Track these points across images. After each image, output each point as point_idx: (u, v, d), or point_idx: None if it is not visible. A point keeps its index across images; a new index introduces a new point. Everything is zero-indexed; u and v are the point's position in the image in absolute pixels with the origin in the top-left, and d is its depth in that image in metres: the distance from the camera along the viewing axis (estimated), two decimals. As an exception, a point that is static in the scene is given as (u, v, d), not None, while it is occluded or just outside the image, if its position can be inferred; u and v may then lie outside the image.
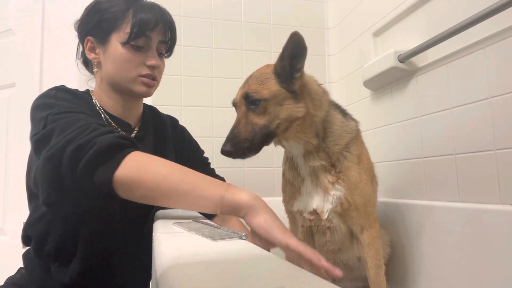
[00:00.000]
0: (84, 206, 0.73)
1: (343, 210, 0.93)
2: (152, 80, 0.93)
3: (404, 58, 1.23)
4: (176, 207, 0.68)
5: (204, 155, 1.19)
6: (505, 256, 0.87)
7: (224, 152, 0.86)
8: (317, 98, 0.92)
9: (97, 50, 0.93)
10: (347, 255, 1.05)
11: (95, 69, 0.94)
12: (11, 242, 1.66)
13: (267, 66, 0.95)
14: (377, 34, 1.48)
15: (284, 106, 0.87)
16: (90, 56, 0.93)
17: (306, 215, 0.97)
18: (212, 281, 0.35)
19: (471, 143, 1.03)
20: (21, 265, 0.93)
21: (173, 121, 1.15)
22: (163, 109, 1.58)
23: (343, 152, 0.94)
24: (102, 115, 0.92)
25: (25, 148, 1.73)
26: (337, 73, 1.81)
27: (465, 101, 1.04)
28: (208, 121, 1.66)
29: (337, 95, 1.81)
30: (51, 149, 0.66)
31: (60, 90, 0.85)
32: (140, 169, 0.64)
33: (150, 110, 1.10)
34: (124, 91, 0.94)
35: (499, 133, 0.94)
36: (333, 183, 0.93)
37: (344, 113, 1.00)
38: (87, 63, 0.99)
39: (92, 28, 0.91)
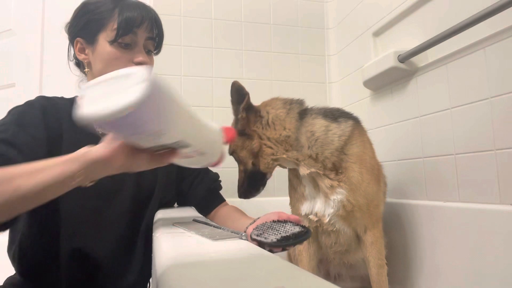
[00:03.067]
0: None
1: (347, 213, 0.94)
2: None
3: (404, 58, 1.23)
4: (37, 185, 0.57)
5: None
6: (505, 256, 0.87)
7: (239, 196, 1.06)
8: (277, 123, 0.98)
9: (87, 51, 0.93)
10: (354, 256, 1.06)
11: (86, 69, 0.94)
12: (11, 242, 1.66)
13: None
14: (377, 34, 1.48)
15: (244, 148, 1.00)
16: (80, 57, 0.94)
17: (311, 216, 0.99)
18: (212, 281, 0.35)
19: (471, 143, 1.03)
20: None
21: None
22: (163, 109, 1.58)
23: (339, 155, 0.95)
24: None
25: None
26: (337, 73, 1.81)
27: (465, 101, 1.04)
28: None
29: (337, 95, 1.81)
30: None
31: (17, 108, 0.85)
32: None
33: None
34: None
35: (499, 133, 0.94)
36: (332, 187, 0.94)
37: (333, 117, 1.00)
38: (79, 64, 1.00)
39: (81, 29, 0.93)
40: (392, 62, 1.25)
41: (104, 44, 0.90)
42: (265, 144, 0.98)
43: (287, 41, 1.80)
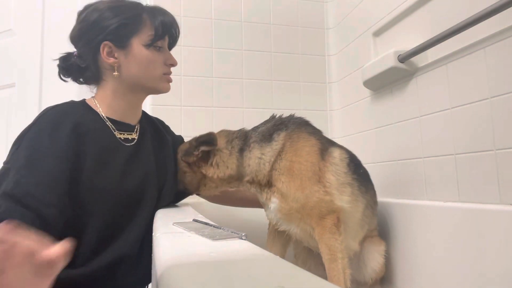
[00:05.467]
0: None
1: (285, 216, 1.05)
2: (170, 76, 1.04)
3: (404, 58, 1.23)
4: None
5: None
6: (505, 256, 0.87)
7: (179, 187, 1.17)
8: (221, 164, 1.09)
9: (116, 54, 0.95)
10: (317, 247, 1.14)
11: (115, 73, 0.96)
12: (11, 242, 1.66)
13: None
14: (377, 34, 1.48)
15: (190, 175, 1.14)
16: (109, 60, 0.95)
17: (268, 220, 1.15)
18: (212, 281, 0.35)
19: (471, 143, 1.03)
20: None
21: (159, 120, 1.21)
22: (163, 109, 1.58)
23: (270, 173, 1.07)
24: (108, 123, 0.97)
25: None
26: (337, 73, 1.81)
27: (465, 101, 1.04)
28: (208, 121, 1.66)
29: (337, 95, 1.81)
30: None
31: (36, 125, 0.85)
32: None
33: (142, 111, 1.14)
34: (145, 90, 1.03)
35: (499, 133, 0.94)
36: (268, 198, 1.08)
37: (269, 136, 1.09)
38: (82, 73, 0.99)
39: (109, 34, 0.94)
40: (392, 62, 1.25)
41: (139, 48, 0.96)
42: (210, 180, 1.11)
43: (287, 41, 1.80)
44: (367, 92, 1.54)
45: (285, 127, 1.10)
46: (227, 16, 1.73)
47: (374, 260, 1.15)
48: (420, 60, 1.22)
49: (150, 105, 1.56)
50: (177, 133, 1.26)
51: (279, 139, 1.08)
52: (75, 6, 1.68)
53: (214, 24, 1.71)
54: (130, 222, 0.94)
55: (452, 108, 1.09)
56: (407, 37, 1.29)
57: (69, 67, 0.99)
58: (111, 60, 0.95)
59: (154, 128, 1.13)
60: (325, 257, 1.02)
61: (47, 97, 1.71)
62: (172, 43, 1.07)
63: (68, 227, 0.84)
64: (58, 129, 0.85)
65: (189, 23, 1.68)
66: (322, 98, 1.82)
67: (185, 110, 1.63)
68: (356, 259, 1.17)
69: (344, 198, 1.04)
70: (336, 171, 1.06)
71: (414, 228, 1.16)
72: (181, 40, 1.68)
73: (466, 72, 1.04)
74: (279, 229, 1.11)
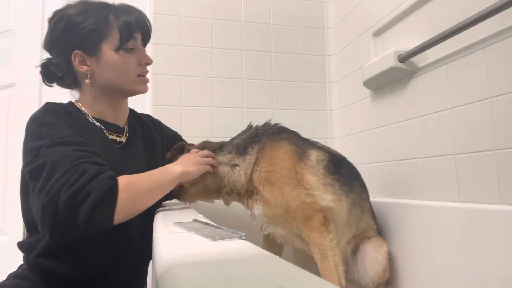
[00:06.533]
0: (82, 237, 0.79)
1: (271, 220, 1.09)
2: (146, 76, 1.02)
3: (404, 58, 1.23)
4: (162, 195, 0.90)
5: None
6: (505, 256, 0.87)
7: None
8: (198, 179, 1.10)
9: (89, 62, 0.94)
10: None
11: (86, 81, 0.94)
12: (11, 242, 1.66)
13: None
14: (377, 34, 1.48)
15: None
16: (82, 69, 0.94)
17: (254, 223, 1.16)
18: (212, 281, 0.35)
19: (471, 143, 1.03)
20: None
21: (148, 117, 1.21)
22: (163, 109, 1.58)
23: (248, 183, 1.11)
24: (97, 124, 0.97)
25: (25, 148, 1.72)
26: (337, 73, 1.81)
27: (465, 101, 1.04)
28: (208, 121, 1.66)
29: (337, 95, 1.81)
30: (46, 196, 0.72)
31: (48, 112, 0.87)
32: (131, 190, 0.79)
33: (130, 110, 1.13)
34: (123, 94, 1.00)
35: (499, 133, 0.94)
36: (251, 205, 1.11)
37: (243, 149, 1.13)
38: (61, 80, 1.00)
39: (78, 42, 0.92)
40: (392, 62, 1.25)
41: (109, 53, 0.93)
42: (189, 191, 1.13)
43: (287, 41, 1.80)
44: (367, 92, 1.54)
45: (258, 140, 1.12)
46: (227, 16, 1.73)
47: (375, 262, 1.14)
48: (420, 60, 1.22)
49: (150, 105, 1.56)
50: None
51: (253, 152, 1.11)
52: (75, 6, 1.69)
53: (214, 24, 1.71)
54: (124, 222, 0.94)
55: (452, 108, 1.09)
56: (407, 37, 1.29)
57: (49, 75, 1.00)
58: (84, 68, 0.94)
59: (143, 127, 1.13)
60: (316, 257, 1.03)
61: (47, 97, 1.70)
62: (146, 39, 1.02)
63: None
64: (66, 122, 0.88)
65: (189, 23, 1.68)
66: (322, 98, 1.82)
67: (185, 110, 1.63)
68: (355, 262, 1.16)
69: (327, 197, 1.05)
70: (314, 172, 1.07)
71: (414, 228, 1.16)
72: (181, 40, 1.70)
73: (466, 72, 1.04)
74: (264, 233, 1.13)
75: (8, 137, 1.73)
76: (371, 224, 1.20)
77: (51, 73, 0.99)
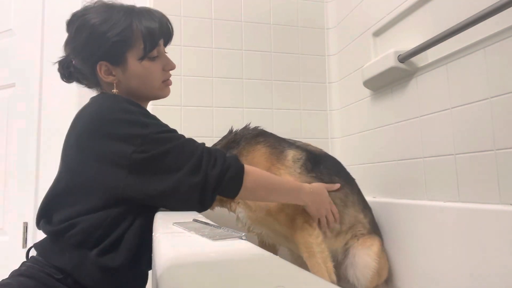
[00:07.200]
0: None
1: (255, 221, 1.10)
2: (170, 80, 1.03)
3: (404, 58, 1.23)
4: (278, 200, 1.01)
5: None
6: (505, 256, 0.87)
7: None
8: None
9: (114, 72, 0.93)
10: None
11: (114, 90, 0.94)
12: (11, 242, 1.66)
13: None
14: (377, 34, 1.48)
15: None
16: (108, 79, 0.93)
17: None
18: (212, 281, 0.35)
19: (471, 143, 1.03)
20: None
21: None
22: (163, 109, 1.58)
23: None
24: None
25: (25, 148, 1.73)
26: (337, 73, 1.81)
27: (465, 101, 1.04)
28: (208, 121, 1.66)
29: (337, 95, 1.81)
30: (195, 175, 0.83)
31: (127, 102, 0.88)
32: (256, 178, 0.91)
33: None
34: (149, 99, 1.03)
35: (499, 133, 0.94)
36: (234, 209, 1.13)
37: None
38: (81, 81, 1.01)
39: (104, 53, 0.91)
40: (392, 62, 1.25)
41: (135, 63, 0.92)
42: None
43: (287, 41, 1.80)
44: (367, 92, 1.54)
45: (236, 146, 1.13)
46: (227, 16, 1.73)
47: (365, 267, 1.11)
48: (420, 60, 1.22)
49: (150, 104, 1.56)
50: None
51: None
52: (76, 6, 1.68)
53: (214, 24, 1.71)
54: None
55: (452, 108, 1.09)
56: (407, 37, 1.29)
57: (70, 74, 0.99)
58: (110, 78, 0.93)
59: None
60: (304, 256, 1.04)
61: (47, 97, 1.71)
62: (167, 42, 1.02)
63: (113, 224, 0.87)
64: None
65: (189, 23, 1.68)
66: (322, 98, 1.82)
67: (185, 110, 1.63)
68: (345, 268, 1.14)
69: None
70: (291, 172, 1.07)
71: (414, 228, 1.16)
72: (181, 40, 1.70)
73: (466, 72, 1.04)
74: (252, 234, 1.14)
75: (8, 137, 1.73)
76: (359, 218, 1.18)
77: (71, 73, 0.98)
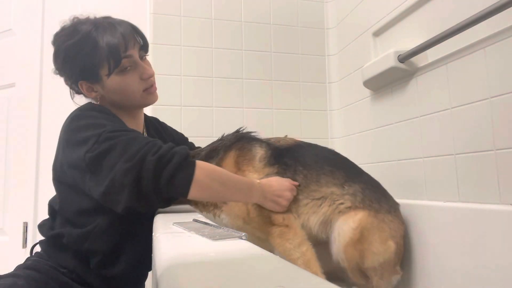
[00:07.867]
0: (155, 208, 0.84)
1: (237, 228, 1.07)
2: (153, 86, 1.00)
3: (404, 58, 1.23)
4: (233, 198, 0.93)
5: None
6: (505, 256, 0.87)
7: None
8: None
9: (95, 88, 0.95)
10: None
11: (98, 103, 0.96)
12: (11, 242, 1.66)
13: None
14: (377, 34, 1.48)
15: None
16: (91, 95, 0.96)
17: None
18: (212, 281, 0.35)
19: (471, 143, 1.02)
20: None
21: (156, 120, 1.22)
22: (163, 109, 1.58)
23: None
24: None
25: (25, 148, 1.73)
26: (337, 73, 1.81)
27: (465, 101, 1.04)
28: (208, 121, 1.66)
29: (337, 95, 1.81)
30: (129, 161, 0.75)
31: (93, 109, 0.89)
32: (209, 173, 0.82)
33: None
34: (136, 107, 1.02)
35: (499, 133, 0.94)
36: (217, 216, 1.10)
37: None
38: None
39: (79, 74, 0.93)
40: (392, 62, 1.25)
41: (108, 78, 0.91)
42: None
43: (287, 41, 1.80)
44: (367, 92, 1.54)
45: (216, 155, 1.10)
46: (227, 16, 1.73)
47: (338, 234, 1.01)
48: (420, 60, 1.22)
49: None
50: (177, 133, 1.27)
51: None
52: (75, 6, 1.69)
53: (214, 24, 1.71)
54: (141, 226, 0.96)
55: (452, 108, 1.09)
56: (407, 37, 1.29)
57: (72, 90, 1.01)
58: (93, 94, 0.95)
59: (156, 130, 1.15)
60: (285, 258, 1.02)
61: (47, 97, 1.71)
62: (143, 47, 0.97)
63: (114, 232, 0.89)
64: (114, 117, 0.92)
65: (189, 23, 1.68)
66: (322, 98, 1.82)
67: (185, 110, 1.63)
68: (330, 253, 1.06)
69: None
70: (256, 171, 1.06)
71: (413, 228, 1.16)
72: (181, 40, 1.70)
73: (466, 72, 1.04)
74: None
75: (8, 137, 1.73)
76: (335, 191, 1.07)
77: (71, 88, 1.01)
